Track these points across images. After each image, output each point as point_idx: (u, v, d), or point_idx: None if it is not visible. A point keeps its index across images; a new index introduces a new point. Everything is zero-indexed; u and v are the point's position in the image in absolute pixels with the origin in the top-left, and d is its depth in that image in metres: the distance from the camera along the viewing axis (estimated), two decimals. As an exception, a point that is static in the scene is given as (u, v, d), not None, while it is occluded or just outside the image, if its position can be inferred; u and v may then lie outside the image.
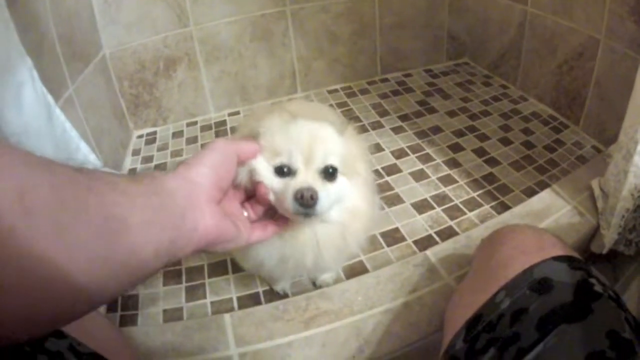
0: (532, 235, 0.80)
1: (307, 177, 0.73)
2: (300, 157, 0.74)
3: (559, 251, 0.71)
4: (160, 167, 1.72)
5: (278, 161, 0.74)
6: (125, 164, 1.79)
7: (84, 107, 1.46)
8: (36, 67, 1.06)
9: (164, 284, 1.20)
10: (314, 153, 0.74)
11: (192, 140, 1.88)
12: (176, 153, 1.81)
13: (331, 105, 1.93)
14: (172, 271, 1.23)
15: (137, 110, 1.95)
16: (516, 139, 1.61)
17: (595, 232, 1.17)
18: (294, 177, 0.74)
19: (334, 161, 0.76)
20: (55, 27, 1.33)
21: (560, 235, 1.10)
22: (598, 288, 0.63)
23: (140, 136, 1.95)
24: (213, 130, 1.93)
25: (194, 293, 1.17)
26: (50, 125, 1.08)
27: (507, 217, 1.20)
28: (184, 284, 1.19)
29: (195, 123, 1.99)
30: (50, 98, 1.09)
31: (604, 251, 1.13)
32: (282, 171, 0.74)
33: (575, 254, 0.72)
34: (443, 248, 1.12)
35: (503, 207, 1.31)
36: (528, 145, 1.58)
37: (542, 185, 1.37)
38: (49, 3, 1.30)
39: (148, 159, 1.79)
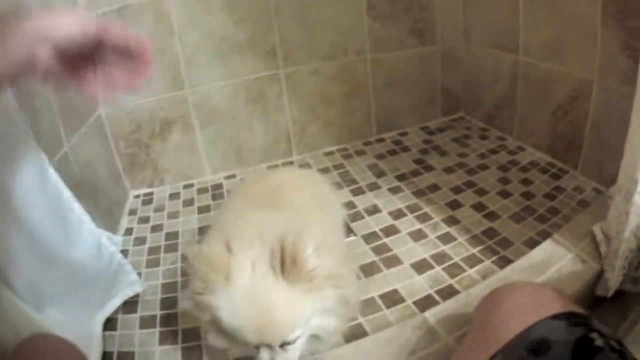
0: (530, 293, 0.78)
1: (268, 355, 0.77)
2: (257, 340, 0.75)
3: (558, 308, 0.69)
4: (157, 228, 1.73)
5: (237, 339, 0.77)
6: (122, 223, 1.79)
7: (79, 166, 1.46)
8: (31, 122, 1.06)
9: (160, 343, 1.19)
10: (270, 340, 0.75)
11: (189, 202, 1.88)
12: (173, 215, 1.81)
13: (326, 169, 1.93)
14: (168, 331, 1.22)
15: (133, 170, 1.97)
16: (515, 190, 1.59)
17: (599, 277, 1.14)
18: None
19: (293, 334, 0.76)
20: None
21: (563, 284, 1.10)
22: (599, 342, 0.62)
23: (137, 196, 1.96)
24: (210, 192, 1.93)
25: (190, 355, 1.15)
26: (42, 184, 1.08)
27: (508, 272, 1.17)
28: (180, 345, 1.18)
29: (192, 185, 2.00)
30: (44, 156, 1.09)
31: (609, 294, 1.11)
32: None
33: (576, 308, 0.70)
34: (443, 308, 1.09)
35: (504, 261, 1.28)
36: (527, 195, 1.56)
37: (544, 235, 1.35)
38: None
39: (145, 220, 1.79)
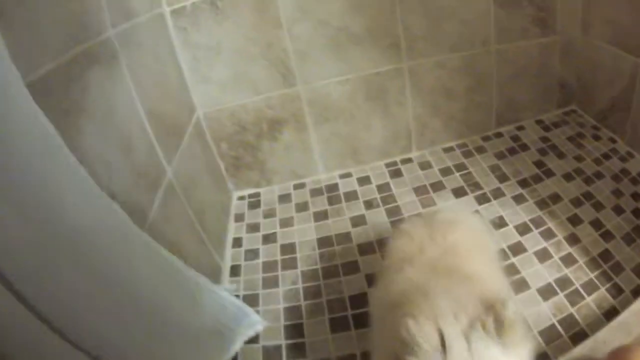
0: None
1: None
2: None
3: None
4: (270, 239, 1.77)
5: None
6: (229, 232, 1.79)
7: (184, 188, 1.42)
8: (123, 167, 1.08)
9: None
10: None
11: (303, 206, 1.92)
12: (286, 222, 1.84)
13: (448, 170, 2.04)
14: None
15: (237, 172, 2.00)
16: (627, 205, 1.72)
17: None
18: None
19: None
20: (142, 104, 1.27)
21: None
22: None
23: (242, 198, 2.01)
24: (325, 195, 1.99)
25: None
26: (152, 259, 1.08)
27: (625, 317, 1.34)
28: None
29: (303, 185, 2.05)
30: (145, 236, 1.07)
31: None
32: None
33: None
34: (572, 355, 1.28)
35: (616, 290, 1.44)
36: (637, 213, 1.69)
37: None
38: (131, 81, 1.23)
39: (254, 227, 1.84)
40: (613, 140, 2.06)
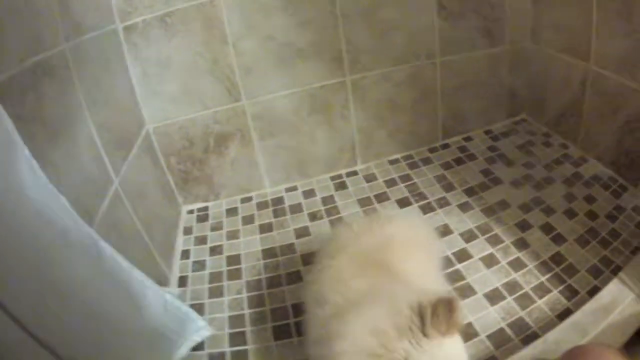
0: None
1: None
2: None
3: None
4: (217, 251, 1.76)
5: None
6: (177, 245, 1.79)
7: (131, 198, 1.43)
8: (71, 172, 1.10)
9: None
10: None
11: (249, 219, 1.90)
12: (232, 235, 1.83)
13: (393, 181, 2.00)
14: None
15: (186, 186, 1.98)
16: (580, 209, 1.65)
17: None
18: None
19: None
20: (91, 116, 1.29)
21: (624, 326, 1.18)
22: None
23: (191, 211, 2.00)
24: (270, 208, 1.96)
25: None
26: (98, 264, 1.06)
27: (579, 317, 1.25)
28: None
29: (250, 199, 2.03)
30: (95, 234, 1.06)
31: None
32: None
33: None
34: (521, 355, 1.18)
35: (570, 291, 1.37)
36: (591, 215, 1.62)
37: (605, 262, 1.43)
38: (82, 93, 1.25)
39: (202, 240, 1.83)
40: (565, 146, 1.99)
